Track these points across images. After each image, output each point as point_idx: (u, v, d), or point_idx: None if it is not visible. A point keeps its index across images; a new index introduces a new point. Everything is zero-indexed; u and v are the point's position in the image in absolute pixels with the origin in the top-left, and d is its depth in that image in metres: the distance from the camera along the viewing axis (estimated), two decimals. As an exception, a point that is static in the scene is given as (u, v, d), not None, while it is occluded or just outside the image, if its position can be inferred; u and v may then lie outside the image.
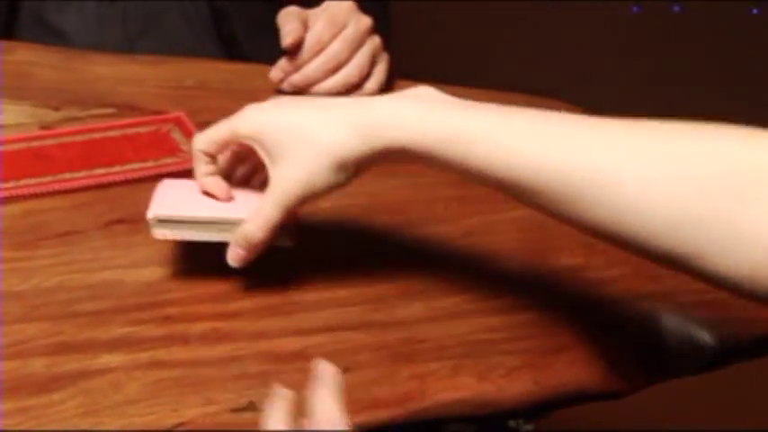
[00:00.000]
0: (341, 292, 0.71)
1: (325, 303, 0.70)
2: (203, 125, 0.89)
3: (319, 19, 0.94)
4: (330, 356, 0.64)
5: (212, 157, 0.70)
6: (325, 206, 0.80)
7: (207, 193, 0.71)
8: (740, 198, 0.52)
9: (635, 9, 2.29)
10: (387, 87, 0.96)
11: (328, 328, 0.68)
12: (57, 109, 0.92)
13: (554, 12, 2.22)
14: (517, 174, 0.59)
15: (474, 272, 0.74)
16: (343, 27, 0.93)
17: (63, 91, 0.95)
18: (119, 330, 0.66)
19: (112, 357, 0.64)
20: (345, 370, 0.64)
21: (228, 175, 0.72)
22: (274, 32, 1.10)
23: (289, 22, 0.93)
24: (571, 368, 0.67)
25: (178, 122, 0.90)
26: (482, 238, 0.79)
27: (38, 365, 0.62)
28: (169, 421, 0.60)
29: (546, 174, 0.58)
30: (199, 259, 0.73)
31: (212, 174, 0.70)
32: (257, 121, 0.67)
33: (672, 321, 0.71)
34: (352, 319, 0.69)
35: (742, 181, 0.53)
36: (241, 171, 0.73)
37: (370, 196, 0.82)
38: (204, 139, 0.70)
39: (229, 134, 0.68)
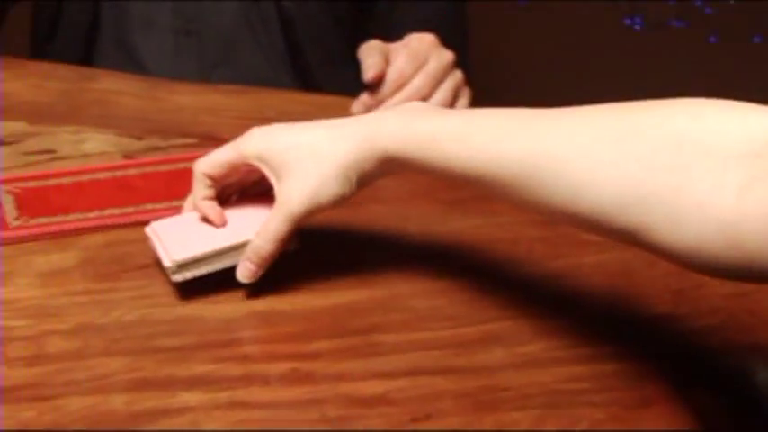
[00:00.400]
0: (422, 335, 0.70)
1: (405, 346, 0.69)
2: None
3: (401, 53, 0.93)
4: (412, 402, 0.64)
5: (213, 181, 0.72)
6: (410, 242, 0.79)
7: (203, 222, 0.73)
8: (685, 173, 0.53)
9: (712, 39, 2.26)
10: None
11: (410, 372, 0.66)
12: (140, 138, 0.92)
13: (632, 44, 2.20)
14: (480, 167, 0.63)
15: (558, 317, 0.72)
16: (424, 62, 0.92)
17: (146, 120, 0.95)
18: (198, 368, 0.65)
19: (192, 396, 0.63)
20: (427, 417, 0.63)
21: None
22: (349, 65, 1.10)
23: (370, 55, 0.92)
24: (658, 423, 0.65)
25: (259, 155, 0.89)
26: (567, 282, 0.77)
27: (118, 402, 0.62)
28: (248, 464, 0.59)
29: (505, 163, 0.61)
30: (278, 298, 0.72)
31: (210, 198, 0.73)
32: (263, 142, 0.70)
33: (764, 375, 0.69)
34: (434, 363, 0.68)
35: (686, 155, 0.54)
36: (229, 192, 0.76)
37: (452, 235, 0.81)
38: (208, 163, 0.72)
39: (235, 156, 0.71)
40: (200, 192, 0.73)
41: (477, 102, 0.99)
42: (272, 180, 0.70)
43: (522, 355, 0.69)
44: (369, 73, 0.91)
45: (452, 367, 0.67)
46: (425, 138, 0.66)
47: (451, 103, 0.93)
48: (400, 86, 0.91)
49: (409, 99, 0.91)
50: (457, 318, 0.72)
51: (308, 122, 0.71)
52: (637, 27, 2.20)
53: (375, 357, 0.68)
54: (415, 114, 0.68)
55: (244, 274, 0.70)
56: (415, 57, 0.92)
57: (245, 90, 1.03)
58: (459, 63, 0.97)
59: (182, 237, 0.72)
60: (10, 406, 0.61)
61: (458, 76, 0.94)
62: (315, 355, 0.67)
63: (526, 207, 0.63)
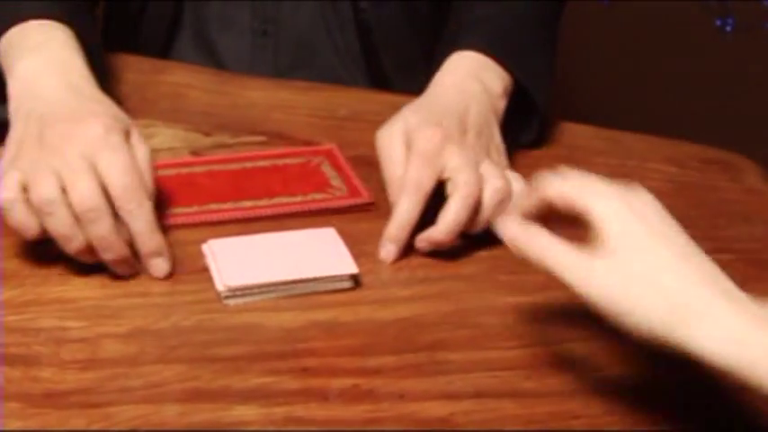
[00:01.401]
0: (490, 354, 0.67)
1: (472, 365, 0.66)
2: (354, 159, 0.87)
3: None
4: (478, 426, 0.60)
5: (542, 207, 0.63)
6: (480, 256, 0.76)
7: (262, 248, 0.72)
8: None
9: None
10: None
11: (476, 394, 0.63)
12: (208, 134, 0.90)
13: (723, 46, 2.13)
14: None
15: (635, 343, 0.68)
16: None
17: (215, 116, 0.93)
18: (255, 380, 0.63)
19: (247, 410, 0.60)
20: (493, 444, 0.59)
21: None
22: (423, 69, 1.05)
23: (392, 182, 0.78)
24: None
25: (329, 156, 0.87)
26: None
27: (171, 412, 0.60)
28: (302, 486, 0.56)
29: None
30: (341, 308, 0.69)
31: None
32: (620, 216, 0.59)
33: None
34: (502, 385, 0.64)
35: None
36: None
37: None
38: (555, 186, 0.62)
39: (578, 199, 0.60)
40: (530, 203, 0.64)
41: (558, 105, 0.95)
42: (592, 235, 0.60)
43: (596, 380, 0.65)
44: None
45: (521, 390, 0.64)
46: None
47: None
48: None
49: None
50: (527, 337, 0.68)
51: (683, 246, 0.59)
52: (728, 29, 2.12)
53: (440, 376, 0.64)
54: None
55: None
56: (429, 162, 0.76)
57: (317, 87, 1.00)
58: (545, 65, 0.92)
59: (238, 261, 0.71)
60: (60, 412, 0.59)
61: (492, 156, 0.81)
62: (377, 372, 0.64)
63: None
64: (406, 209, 0.74)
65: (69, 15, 0.83)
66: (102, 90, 0.79)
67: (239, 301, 0.69)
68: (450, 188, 0.75)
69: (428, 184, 0.74)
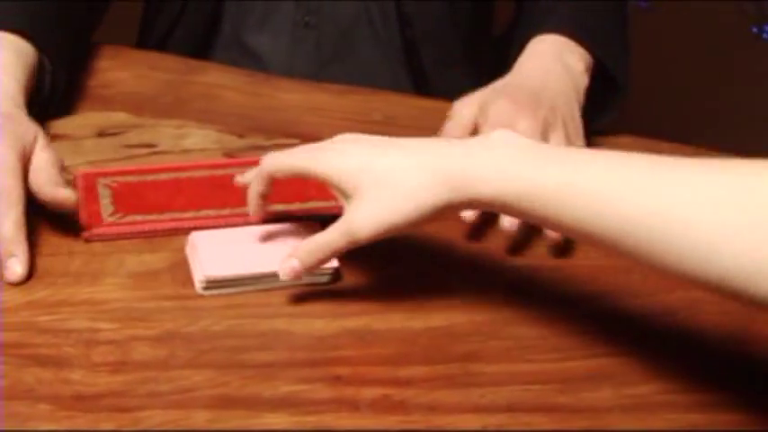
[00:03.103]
0: (524, 367, 0.66)
1: (505, 378, 0.65)
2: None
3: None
4: (510, 442, 0.59)
5: (272, 184, 0.71)
6: (515, 265, 0.75)
7: (244, 241, 0.73)
8: None
9: None
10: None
11: (509, 408, 0.62)
12: (241, 136, 0.89)
13: (759, 53, 2.10)
14: (587, 225, 0.59)
15: (673, 357, 0.67)
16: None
17: (249, 117, 0.92)
18: (285, 388, 0.62)
19: (276, 418, 0.60)
20: (526, 460, 0.58)
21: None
22: (463, 66, 1.05)
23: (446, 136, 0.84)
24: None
25: (362, 160, 0.86)
26: (683, 316, 0.72)
27: (200, 419, 0.59)
28: (331, 497, 0.56)
29: (616, 224, 0.58)
30: (374, 316, 0.68)
31: (263, 196, 0.72)
32: (335, 165, 0.67)
33: None
34: (535, 399, 0.63)
35: None
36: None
37: (561, 261, 0.76)
38: (278, 165, 0.70)
39: (304, 171, 0.69)
40: (259, 188, 0.72)
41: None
42: (340, 197, 0.68)
43: (632, 396, 0.64)
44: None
45: (555, 405, 0.63)
46: (524, 188, 0.61)
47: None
48: None
49: None
50: (563, 350, 0.67)
51: (386, 142, 0.68)
52: (765, 36, 2.10)
53: (472, 388, 0.63)
54: (510, 157, 0.63)
55: (286, 271, 0.68)
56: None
57: (353, 90, 0.99)
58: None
59: (219, 253, 0.71)
60: (90, 416, 0.59)
61: (557, 133, 0.83)
62: (408, 382, 0.63)
63: (654, 268, 0.59)
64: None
65: (30, 29, 0.85)
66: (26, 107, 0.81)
67: (215, 292, 0.69)
68: None
69: None
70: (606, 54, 0.92)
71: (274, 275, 0.69)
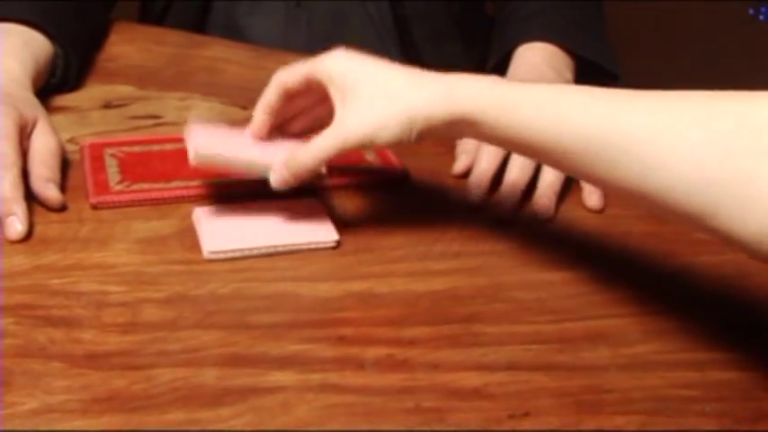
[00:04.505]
0: (524, 328, 0.67)
1: (506, 338, 0.66)
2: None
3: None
4: (511, 397, 0.61)
5: (286, 94, 0.74)
6: (516, 231, 0.76)
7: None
8: (759, 160, 0.53)
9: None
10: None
11: (509, 366, 0.64)
12: (244, 108, 0.91)
13: (756, 35, 2.11)
14: (553, 137, 0.62)
15: (669, 319, 0.69)
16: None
17: (252, 90, 0.93)
18: (291, 347, 0.64)
19: (284, 376, 0.61)
20: (526, 414, 0.60)
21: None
22: (453, 42, 1.07)
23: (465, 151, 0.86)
24: (772, 439, 0.61)
25: (364, 131, 0.87)
26: (679, 281, 0.73)
27: (209, 376, 0.61)
28: (337, 450, 0.57)
29: (577, 137, 0.61)
30: (377, 280, 0.70)
31: (273, 108, 0.75)
32: (340, 64, 0.71)
33: None
34: (535, 358, 0.65)
35: (764, 144, 0.53)
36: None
37: (560, 227, 0.78)
38: (288, 71, 0.74)
39: (311, 72, 0.72)
40: (270, 97, 0.74)
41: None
42: (336, 101, 0.70)
43: (629, 356, 0.65)
44: (459, 164, 0.84)
45: (554, 364, 0.64)
46: (506, 103, 0.65)
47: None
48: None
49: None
50: (562, 312, 0.69)
51: (390, 63, 0.71)
52: (762, 17, 2.11)
53: (474, 348, 0.65)
54: (496, 80, 0.68)
55: (277, 179, 0.72)
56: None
57: (353, 64, 1.01)
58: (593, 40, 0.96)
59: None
60: (101, 373, 0.60)
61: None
62: (412, 342, 0.65)
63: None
64: (487, 161, 0.81)
65: (40, 19, 0.88)
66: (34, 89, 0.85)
67: (222, 256, 0.71)
68: None
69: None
70: (596, 54, 0.96)
71: (276, 249, 0.72)
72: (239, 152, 0.74)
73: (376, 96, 0.69)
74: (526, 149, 0.66)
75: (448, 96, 0.67)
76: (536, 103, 0.64)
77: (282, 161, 0.71)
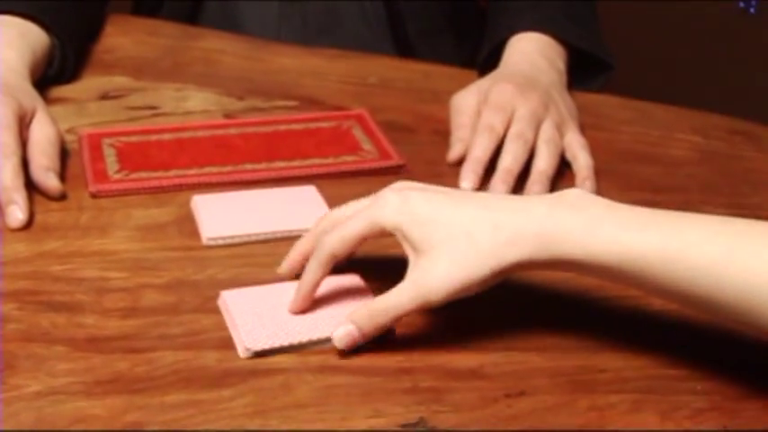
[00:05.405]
0: (518, 311, 0.68)
1: (501, 321, 0.67)
2: (384, 123, 0.89)
3: (484, 110, 0.85)
4: (506, 377, 0.62)
5: (331, 265, 0.64)
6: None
7: (279, 303, 0.66)
8: None
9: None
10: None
11: (505, 347, 0.65)
12: (241, 98, 0.92)
13: (746, 28, 2.13)
14: (703, 289, 0.58)
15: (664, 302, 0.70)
16: (512, 111, 0.85)
17: (248, 80, 0.95)
18: (291, 330, 0.65)
19: (284, 357, 0.62)
20: (521, 393, 0.61)
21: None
22: (446, 36, 1.08)
23: (459, 126, 0.87)
24: (762, 416, 0.62)
25: (360, 120, 0.89)
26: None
27: (210, 359, 0.62)
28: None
29: (750, 287, 0.56)
30: (378, 266, 0.71)
31: (316, 285, 0.65)
32: (404, 213, 0.62)
33: None
34: (530, 339, 0.66)
35: None
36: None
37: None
38: (340, 241, 0.63)
39: (370, 228, 0.63)
40: (315, 275, 0.64)
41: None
42: (409, 251, 0.62)
43: (621, 336, 0.67)
44: (454, 152, 0.85)
45: (548, 345, 0.65)
46: (626, 252, 0.59)
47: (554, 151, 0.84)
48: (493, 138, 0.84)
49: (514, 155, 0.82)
50: (554, 295, 0.70)
51: (454, 193, 0.64)
52: (752, 10, 2.12)
53: (470, 330, 0.66)
54: (600, 218, 0.60)
55: (344, 340, 0.62)
56: (501, 109, 0.84)
57: (347, 55, 1.02)
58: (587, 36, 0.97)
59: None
60: (104, 356, 0.61)
61: (553, 114, 0.86)
62: (410, 324, 0.66)
63: (757, 327, 0.58)
64: (481, 148, 0.82)
65: (36, 12, 0.89)
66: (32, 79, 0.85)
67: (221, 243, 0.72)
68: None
69: (500, 127, 0.83)
70: (590, 44, 0.97)
71: (274, 236, 0.73)
72: (294, 333, 0.63)
73: (459, 246, 0.60)
74: (673, 299, 0.61)
75: (549, 243, 0.60)
76: (665, 256, 0.58)
77: (354, 321, 0.62)
